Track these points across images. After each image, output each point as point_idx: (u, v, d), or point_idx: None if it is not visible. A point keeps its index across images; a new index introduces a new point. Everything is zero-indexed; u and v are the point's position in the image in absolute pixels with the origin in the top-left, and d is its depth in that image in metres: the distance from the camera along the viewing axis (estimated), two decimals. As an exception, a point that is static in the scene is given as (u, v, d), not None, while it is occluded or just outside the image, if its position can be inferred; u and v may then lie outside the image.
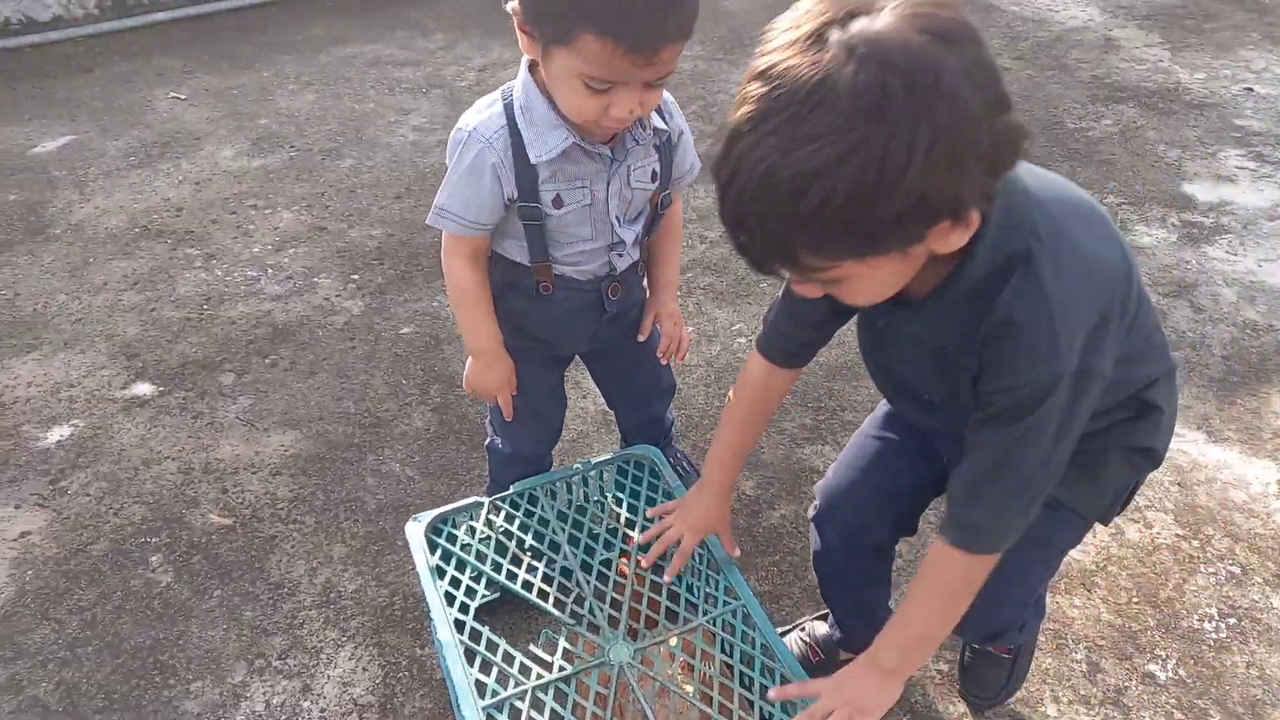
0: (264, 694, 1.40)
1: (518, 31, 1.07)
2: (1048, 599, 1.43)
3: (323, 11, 3.94)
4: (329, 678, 1.43)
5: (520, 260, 1.24)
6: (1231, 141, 2.85)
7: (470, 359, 1.31)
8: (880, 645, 1.01)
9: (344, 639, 1.48)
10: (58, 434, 1.87)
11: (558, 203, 1.17)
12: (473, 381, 1.33)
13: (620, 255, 1.26)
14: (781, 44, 0.69)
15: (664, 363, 1.46)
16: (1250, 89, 3.14)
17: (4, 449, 1.83)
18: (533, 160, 1.13)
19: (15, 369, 2.03)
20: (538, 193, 1.15)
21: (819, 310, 1.03)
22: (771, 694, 1.09)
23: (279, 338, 2.12)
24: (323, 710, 1.38)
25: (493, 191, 1.15)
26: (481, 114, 1.15)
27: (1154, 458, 1.05)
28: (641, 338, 1.38)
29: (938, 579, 0.97)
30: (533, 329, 1.32)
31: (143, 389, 1.98)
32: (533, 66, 1.13)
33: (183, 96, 3.22)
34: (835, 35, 0.67)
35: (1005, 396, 0.84)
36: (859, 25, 0.67)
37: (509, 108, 1.14)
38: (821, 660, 1.39)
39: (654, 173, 1.22)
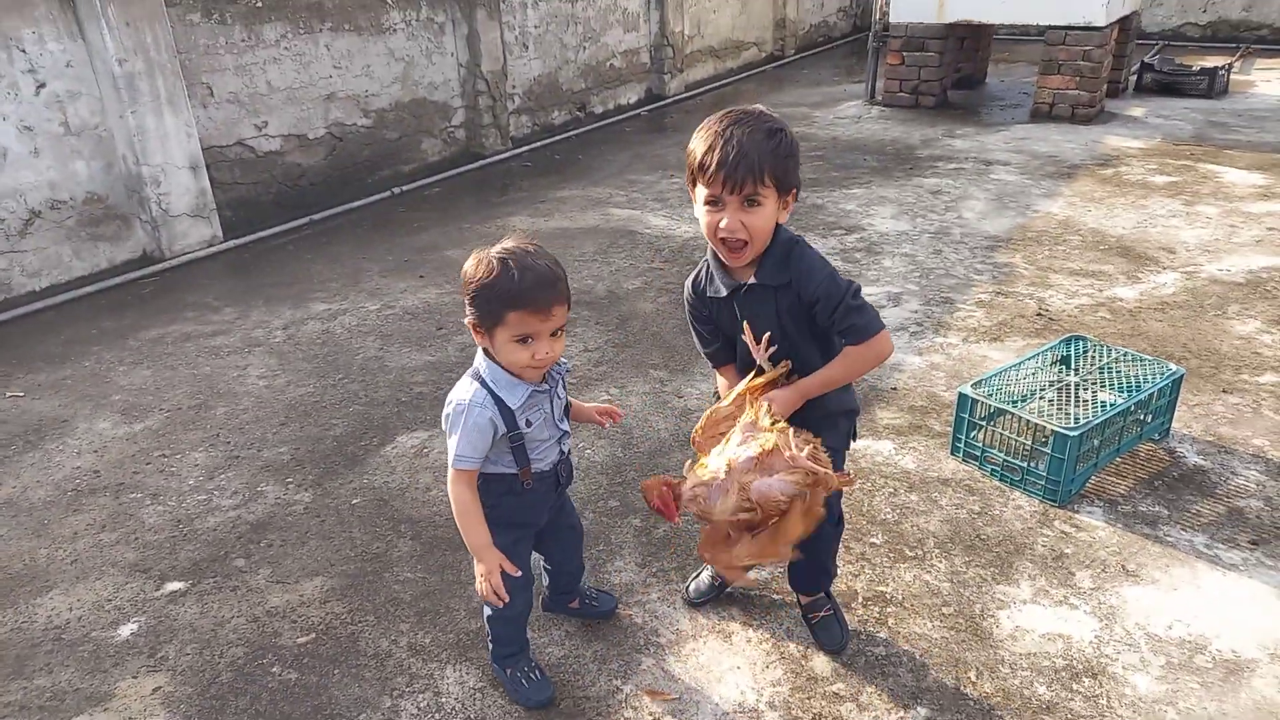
0: (411, 704, 2.12)
1: (472, 332, 1.81)
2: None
3: (99, 311, 4.47)
4: (448, 681, 2.18)
5: (510, 471, 1.91)
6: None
7: (476, 560, 1.87)
8: (806, 381, 1.88)
9: (444, 664, 2.24)
10: (128, 629, 2.36)
11: (529, 424, 1.88)
12: (484, 571, 1.86)
13: (563, 442, 2.00)
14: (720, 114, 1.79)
15: (607, 425, 2.20)
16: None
17: (89, 650, 2.29)
18: (511, 406, 1.83)
19: (46, 605, 2.45)
20: (517, 423, 1.86)
21: (718, 335, 2.05)
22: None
23: (260, 529, 2.77)
24: (457, 698, 2.14)
25: (490, 435, 1.83)
26: (467, 392, 1.83)
27: (856, 413, 2.20)
28: (605, 421, 2.16)
29: (850, 355, 1.86)
30: (522, 517, 2.01)
31: (175, 585, 2.53)
32: (486, 353, 1.84)
33: (20, 394, 3.61)
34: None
35: (825, 291, 1.81)
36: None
37: (481, 381, 1.84)
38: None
39: (564, 387, 2.05)
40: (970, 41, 9.17)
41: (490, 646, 2.21)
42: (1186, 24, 11.74)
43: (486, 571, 1.87)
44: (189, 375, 3.76)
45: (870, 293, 4.48)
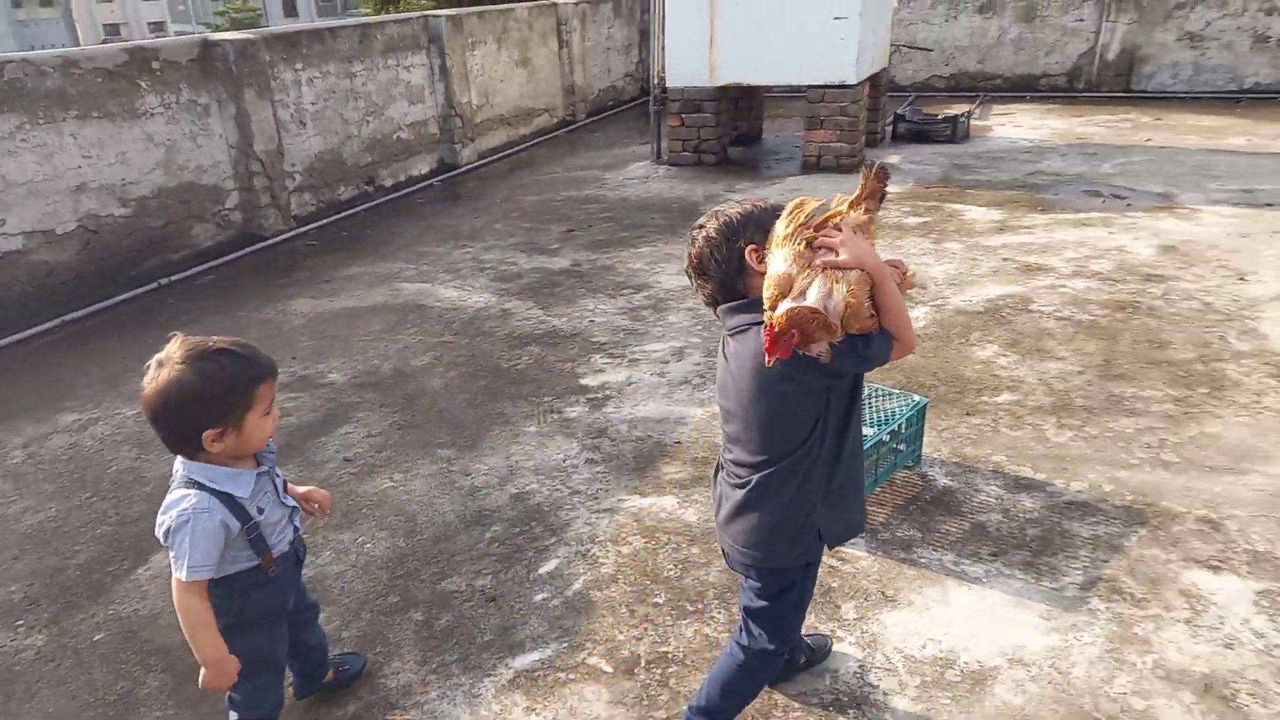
0: None
1: (206, 444, 1.75)
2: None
3: None
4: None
5: (251, 564, 1.88)
6: (595, 350, 4.68)
7: (206, 668, 1.82)
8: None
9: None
10: None
11: (261, 511, 1.88)
12: (217, 681, 1.84)
13: (294, 518, 2.01)
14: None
15: (324, 513, 2.16)
16: (593, 321, 5.12)
17: None
18: (243, 497, 1.84)
19: None
20: (249, 514, 1.85)
21: None
22: None
23: (-21, 686, 2.45)
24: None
25: (222, 539, 1.80)
26: (185, 502, 1.77)
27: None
28: (312, 506, 2.09)
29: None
30: (275, 605, 1.97)
31: None
32: (192, 459, 1.80)
33: None
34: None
35: None
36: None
37: (199, 486, 1.79)
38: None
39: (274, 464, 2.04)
40: (744, 101, 9.77)
41: None
42: (933, 77, 13.05)
43: (217, 684, 1.85)
44: (-98, 513, 3.32)
45: (656, 349, 4.60)
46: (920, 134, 9.59)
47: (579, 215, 7.39)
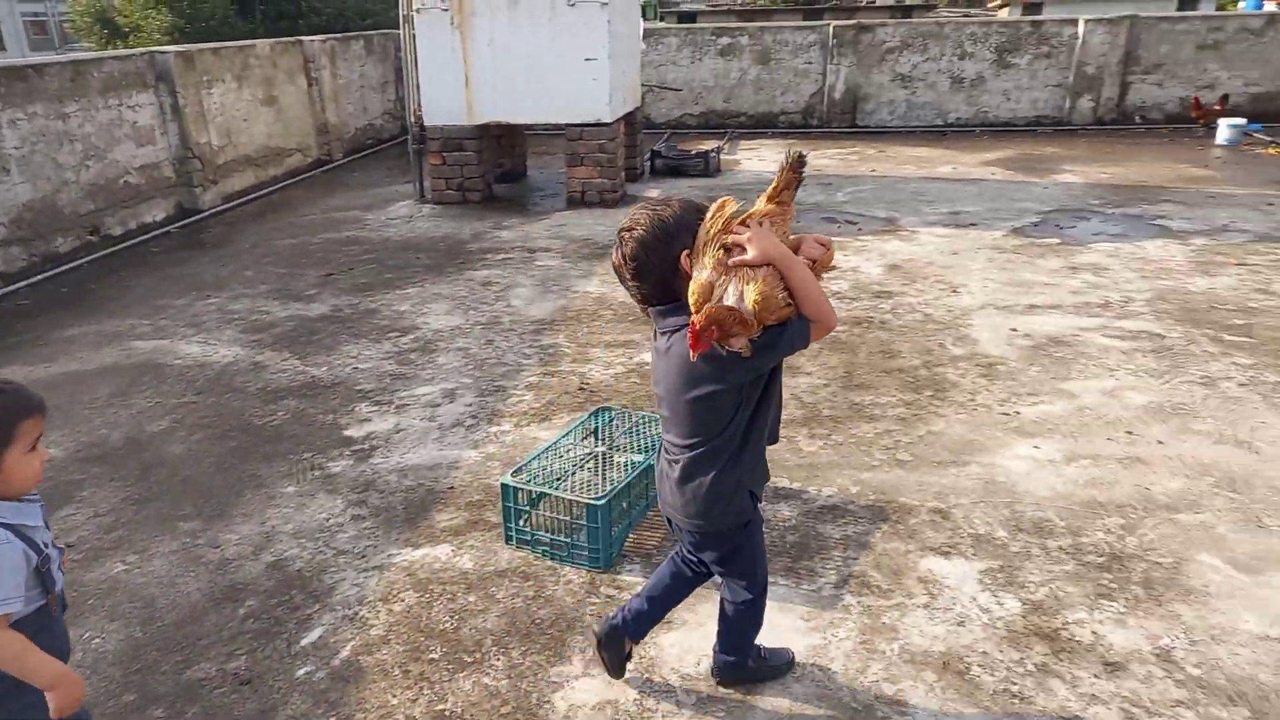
0: None
1: None
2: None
3: None
4: None
5: (38, 605, 1.74)
6: (359, 398, 4.47)
7: (53, 691, 1.68)
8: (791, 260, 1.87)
9: None
10: None
11: (46, 544, 1.76)
12: (69, 700, 1.70)
13: (60, 560, 1.82)
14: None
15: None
16: (356, 368, 4.89)
17: None
18: (34, 525, 1.73)
19: None
20: (40, 546, 1.74)
21: None
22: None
23: None
24: None
25: (24, 570, 1.69)
26: None
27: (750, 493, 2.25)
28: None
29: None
30: (61, 651, 1.79)
31: None
32: None
33: None
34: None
35: None
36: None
37: None
38: None
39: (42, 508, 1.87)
40: (507, 139, 9.82)
41: None
42: (685, 115, 13.77)
43: (70, 702, 1.72)
44: None
45: (426, 392, 4.46)
46: (676, 169, 10.06)
47: (339, 258, 7.08)
